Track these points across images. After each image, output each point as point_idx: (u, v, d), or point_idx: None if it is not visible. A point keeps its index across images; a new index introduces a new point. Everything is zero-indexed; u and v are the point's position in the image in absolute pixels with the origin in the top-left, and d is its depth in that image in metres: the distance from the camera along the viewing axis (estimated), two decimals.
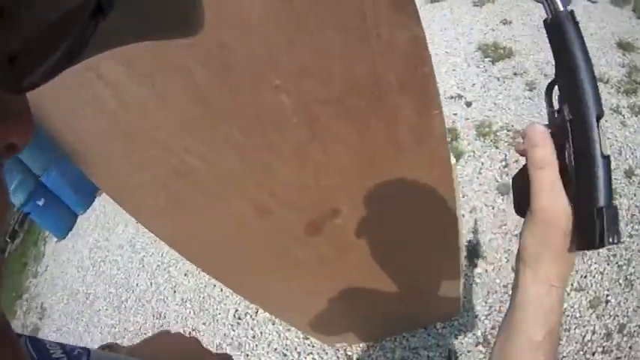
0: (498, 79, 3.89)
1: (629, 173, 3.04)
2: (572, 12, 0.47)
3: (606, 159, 0.43)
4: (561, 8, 0.47)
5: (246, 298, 2.10)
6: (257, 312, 3.09)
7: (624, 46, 4.43)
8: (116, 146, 1.09)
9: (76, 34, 0.21)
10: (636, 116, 3.53)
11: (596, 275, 2.57)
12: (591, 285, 2.52)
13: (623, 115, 3.53)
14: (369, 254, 1.58)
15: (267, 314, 2.92)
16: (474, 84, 3.90)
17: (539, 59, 4.14)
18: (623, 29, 4.83)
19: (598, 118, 0.43)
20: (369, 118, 1.13)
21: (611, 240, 0.42)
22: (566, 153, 0.45)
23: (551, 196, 0.45)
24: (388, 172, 1.29)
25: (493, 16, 5.07)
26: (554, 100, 0.50)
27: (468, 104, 3.72)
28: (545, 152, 0.46)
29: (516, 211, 0.55)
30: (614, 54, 4.33)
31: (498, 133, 3.45)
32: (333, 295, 1.79)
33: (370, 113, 1.12)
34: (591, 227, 0.42)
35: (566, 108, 0.45)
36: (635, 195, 2.93)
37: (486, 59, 4.19)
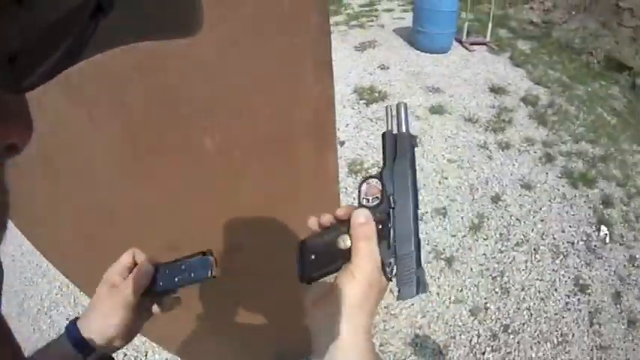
0: (371, 120, 3.99)
1: (495, 199, 3.25)
2: (416, 137, 0.60)
3: (418, 238, 0.57)
4: (404, 130, 0.59)
5: (150, 337, 2.01)
6: (146, 354, 2.77)
7: (496, 90, 4.74)
8: (36, 173, 1.05)
9: (76, 33, 0.21)
10: (502, 150, 3.76)
11: (472, 288, 2.70)
12: (469, 296, 2.66)
13: (490, 150, 3.73)
14: (262, 287, 1.60)
15: (157, 356, 2.73)
16: (347, 124, 3.96)
17: (411, 102, 4.32)
18: (498, 75, 5.22)
19: (415, 210, 0.57)
20: (279, 160, 1.23)
21: (422, 291, 0.55)
22: (389, 228, 0.57)
23: (373, 262, 0.55)
24: (287, 207, 1.36)
25: (372, 61, 5.35)
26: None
27: (342, 143, 3.75)
28: (371, 229, 0.56)
29: (302, 276, 0.63)
30: (485, 97, 4.60)
31: (369, 171, 3.46)
32: (226, 328, 1.80)
33: (280, 155, 1.22)
34: (410, 282, 0.55)
35: (392, 198, 0.58)
36: (502, 217, 3.14)
37: (361, 101, 4.29)
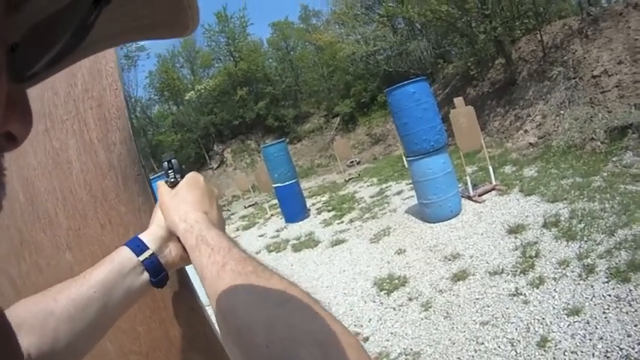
0: (394, 309, 3.98)
1: (541, 344, 2.92)
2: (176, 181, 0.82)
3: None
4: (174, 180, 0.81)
5: None
6: None
7: (514, 230, 4.75)
8: None
9: (78, 21, 0.21)
10: (537, 288, 3.58)
11: None
12: None
13: (524, 294, 3.55)
14: None
15: None
16: (370, 319, 3.95)
17: (432, 278, 4.35)
18: (513, 214, 5.28)
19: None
20: None
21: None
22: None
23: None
24: None
25: (388, 249, 5.54)
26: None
27: (365, 339, 3.69)
28: (165, 186, 0.75)
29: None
30: (505, 242, 4.60)
31: None
32: None
33: None
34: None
35: (178, 176, 0.80)
36: (555, 359, 2.79)
37: (382, 292, 4.37)
